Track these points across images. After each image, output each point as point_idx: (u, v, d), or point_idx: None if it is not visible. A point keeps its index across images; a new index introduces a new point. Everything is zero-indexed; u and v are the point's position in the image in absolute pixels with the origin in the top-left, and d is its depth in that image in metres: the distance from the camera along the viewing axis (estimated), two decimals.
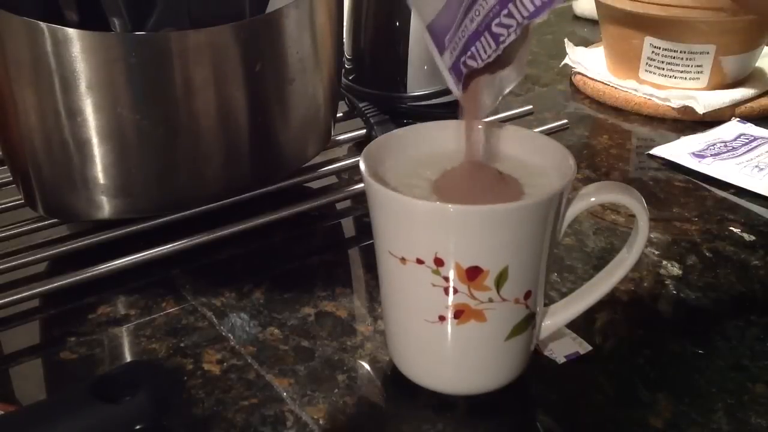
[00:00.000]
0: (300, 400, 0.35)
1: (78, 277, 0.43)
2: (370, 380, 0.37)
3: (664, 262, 0.46)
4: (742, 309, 0.41)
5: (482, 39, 0.34)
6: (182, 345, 0.39)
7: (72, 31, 0.39)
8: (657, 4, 0.64)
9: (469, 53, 0.34)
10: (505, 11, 0.33)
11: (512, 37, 0.33)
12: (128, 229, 0.46)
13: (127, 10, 0.43)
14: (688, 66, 0.66)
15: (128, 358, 0.39)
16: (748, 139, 0.61)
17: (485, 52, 0.34)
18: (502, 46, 0.33)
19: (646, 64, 0.68)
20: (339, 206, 0.53)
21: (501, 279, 0.31)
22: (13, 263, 0.44)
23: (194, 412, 0.35)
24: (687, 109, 0.65)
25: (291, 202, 0.50)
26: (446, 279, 0.31)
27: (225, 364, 0.38)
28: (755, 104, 0.66)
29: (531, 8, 0.32)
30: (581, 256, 0.46)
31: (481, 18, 0.33)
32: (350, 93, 0.63)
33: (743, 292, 0.43)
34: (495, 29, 0.33)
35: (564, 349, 0.38)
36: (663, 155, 0.59)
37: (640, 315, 0.41)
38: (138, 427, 0.31)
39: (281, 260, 0.47)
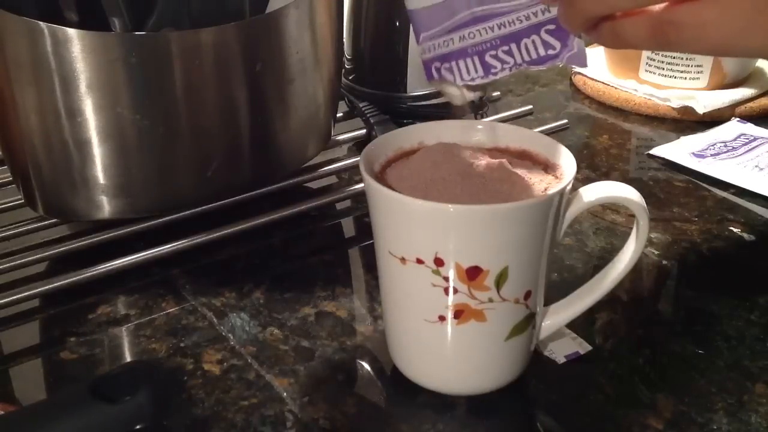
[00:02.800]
0: (300, 400, 0.35)
1: (78, 277, 0.43)
2: (370, 380, 0.37)
3: (664, 262, 0.46)
4: (742, 309, 0.41)
5: (468, 60, 0.35)
6: (182, 345, 0.39)
7: (72, 31, 0.39)
8: None
9: (447, 65, 0.35)
10: (505, 48, 0.34)
11: (505, 72, 0.34)
12: (128, 229, 0.46)
13: (127, 10, 0.43)
14: (688, 66, 0.66)
15: (128, 358, 0.39)
16: (748, 139, 0.61)
17: (469, 74, 0.35)
18: (492, 78, 0.34)
19: (646, 64, 0.68)
20: (339, 206, 0.53)
21: (501, 279, 0.31)
22: (13, 263, 0.44)
23: (194, 412, 0.35)
24: (687, 109, 0.65)
25: (291, 202, 0.50)
26: (446, 279, 0.31)
27: (225, 364, 0.38)
28: (755, 104, 0.66)
29: (534, 56, 0.33)
30: (581, 256, 0.46)
31: (473, 42, 0.34)
32: (350, 93, 0.63)
33: (743, 292, 0.43)
34: (488, 59, 0.34)
35: (564, 349, 0.38)
36: (663, 155, 0.59)
37: (640, 315, 0.41)
38: (138, 427, 0.31)
39: (281, 260, 0.47)
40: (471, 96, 0.36)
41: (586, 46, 0.34)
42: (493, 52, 0.34)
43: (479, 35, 0.34)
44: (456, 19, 0.34)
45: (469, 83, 0.35)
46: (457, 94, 0.36)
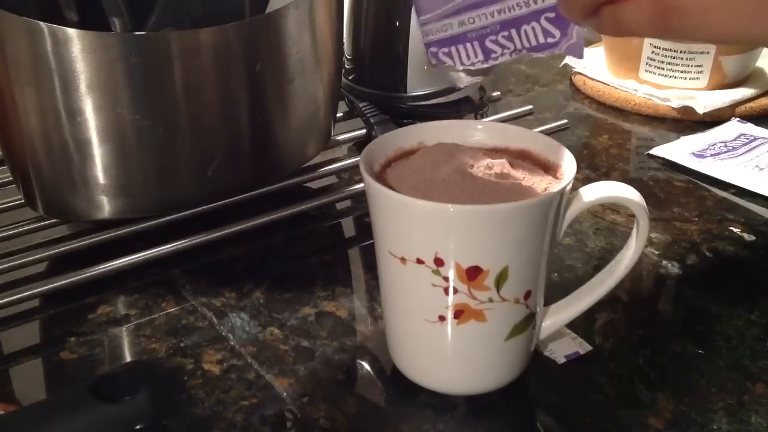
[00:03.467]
0: (300, 400, 0.35)
1: (78, 277, 0.43)
2: (370, 380, 0.37)
3: (664, 262, 0.46)
4: (742, 309, 0.41)
5: (468, 45, 0.35)
6: (182, 345, 0.39)
7: (72, 31, 0.39)
8: None
9: (446, 50, 0.35)
10: (505, 33, 0.34)
11: (505, 57, 0.34)
12: (128, 229, 0.46)
13: (127, 10, 0.43)
14: (688, 66, 0.66)
15: (128, 358, 0.39)
16: (748, 139, 0.61)
17: (469, 58, 0.35)
18: (492, 63, 0.35)
19: (646, 64, 0.68)
20: (339, 206, 0.53)
21: (501, 279, 0.31)
22: (13, 263, 0.44)
23: (194, 412, 0.35)
24: (687, 109, 0.65)
25: (291, 202, 0.50)
26: (446, 279, 0.31)
27: (225, 364, 0.38)
28: (755, 104, 0.66)
29: (534, 43, 0.34)
30: (581, 256, 0.46)
31: (474, 26, 0.34)
32: (350, 93, 0.63)
33: (743, 292, 0.43)
34: (488, 44, 0.34)
35: (564, 349, 0.38)
36: (663, 155, 0.59)
37: (640, 315, 0.41)
38: (138, 427, 0.31)
39: (281, 260, 0.47)
40: (470, 80, 0.36)
41: (586, 45, 0.34)
42: (493, 38, 0.34)
43: (479, 20, 0.34)
44: (456, 3, 0.34)
45: (470, 68, 0.35)
46: (456, 77, 0.37)
